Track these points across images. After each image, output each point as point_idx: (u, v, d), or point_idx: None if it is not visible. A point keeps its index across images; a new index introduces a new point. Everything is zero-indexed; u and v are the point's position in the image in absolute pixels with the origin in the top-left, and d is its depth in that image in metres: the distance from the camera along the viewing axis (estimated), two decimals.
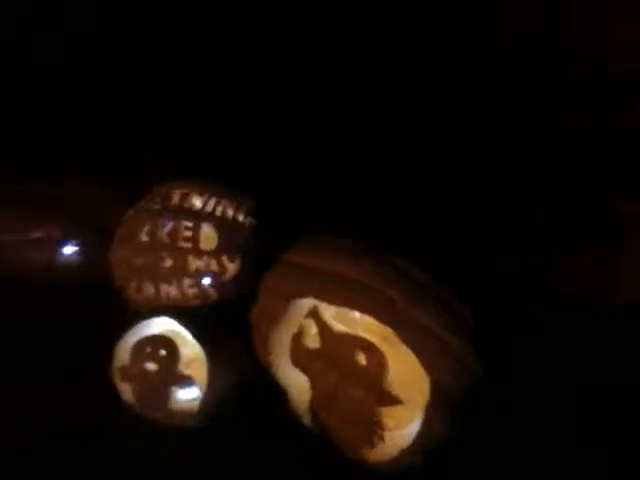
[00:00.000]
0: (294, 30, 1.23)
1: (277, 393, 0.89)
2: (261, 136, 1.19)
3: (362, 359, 0.81)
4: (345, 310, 0.82)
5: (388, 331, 0.79)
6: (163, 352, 0.89)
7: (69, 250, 1.17)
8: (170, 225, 1.02)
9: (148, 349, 0.89)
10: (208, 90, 1.26)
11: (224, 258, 1.01)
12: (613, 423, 0.90)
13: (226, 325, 0.96)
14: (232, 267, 1.02)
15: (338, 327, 0.83)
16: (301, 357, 0.85)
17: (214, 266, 1.01)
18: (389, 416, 0.81)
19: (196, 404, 0.89)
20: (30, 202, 1.17)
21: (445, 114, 1.13)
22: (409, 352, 0.79)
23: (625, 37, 1.02)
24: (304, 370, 0.85)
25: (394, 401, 0.80)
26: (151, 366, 0.89)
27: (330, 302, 0.82)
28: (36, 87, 1.37)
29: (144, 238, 1.02)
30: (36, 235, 1.15)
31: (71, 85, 1.34)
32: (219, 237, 1.02)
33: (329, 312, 0.83)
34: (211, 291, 1.01)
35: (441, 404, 0.79)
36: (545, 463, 0.86)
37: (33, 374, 1.06)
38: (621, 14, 1.04)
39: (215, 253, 1.01)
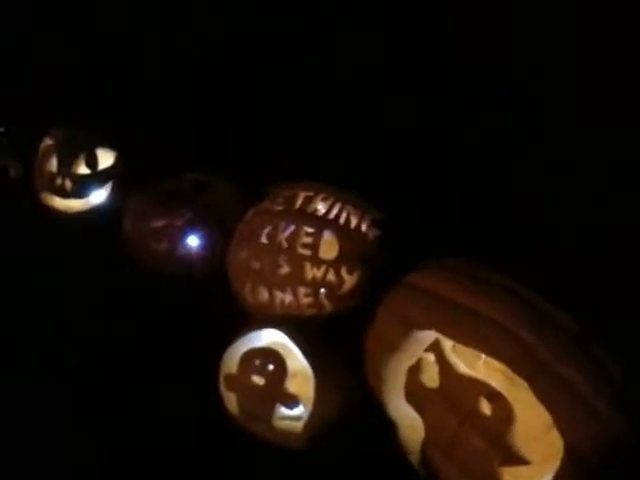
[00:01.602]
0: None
1: (387, 423, 0.82)
2: (398, 144, 1.11)
3: (486, 408, 0.73)
4: (472, 351, 0.73)
5: (521, 383, 0.69)
6: (271, 367, 0.85)
7: (190, 241, 1.15)
8: (291, 229, 0.97)
9: (257, 361, 0.86)
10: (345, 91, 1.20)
11: (343, 269, 0.95)
12: None
13: (337, 341, 0.90)
14: (350, 279, 0.96)
15: (462, 368, 0.75)
16: (416, 394, 0.78)
17: (332, 276, 0.95)
18: (511, 475, 0.72)
19: (300, 424, 0.85)
20: (156, 193, 1.18)
21: None
22: (543, 409, 0.68)
23: None
24: (418, 408, 0.78)
25: (519, 460, 0.71)
26: (258, 379, 0.86)
27: (456, 339, 0.73)
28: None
29: (264, 240, 0.99)
30: (159, 224, 1.15)
31: (199, 83, 1.34)
32: (340, 246, 0.96)
33: (453, 349, 0.75)
34: (326, 302, 0.96)
35: (575, 472, 0.68)
36: None
37: (142, 361, 1.07)
38: None
39: (334, 263, 0.95)
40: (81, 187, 1.28)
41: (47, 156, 1.29)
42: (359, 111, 1.22)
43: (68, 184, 1.27)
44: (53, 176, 1.29)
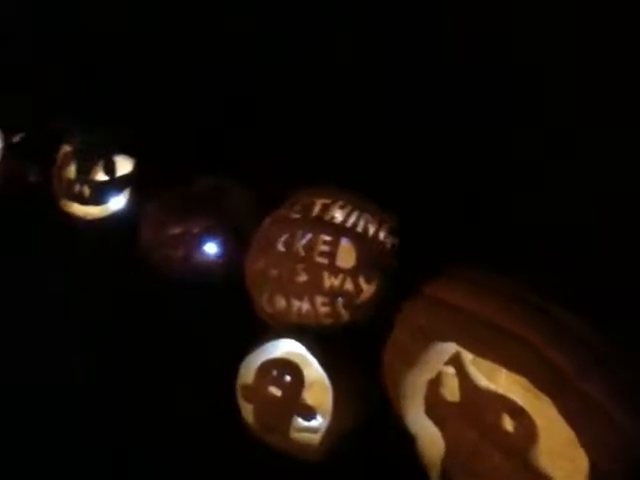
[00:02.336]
0: None
1: (405, 435, 0.81)
2: (418, 151, 1.10)
3: (509, 424, 0.71)
4: (492, 364, 0.71)
5: (545, 399, 0.67)
6: (288, 378, 0.84)
7: (207, 248, 1.15)
8: (308, 237, 0.96)
9: (274, 372, 0.85)
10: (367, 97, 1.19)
11: (361, 278, 0.94)
12: None
13: (355, 352, 0.89)
14: (368, 289, 0.95)
15: (483, 382, 0.73)
16: (436, 408, 0.76)
17: (349, 285, 0.94)
18: None
19: (318, 436, 0.83)
20: (173, 200, 1.17)
21: None
22: (567, 427, 0.66)
23: None
24: (437, 422, 0.76)
25: (542, 478, 0.69)
26: (275, 390, 0.85)
27: (477, 353, 0.72)
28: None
29: (281, 248, 0.98)
30: (176, 231, 1.15)
31: (217, 91, 1.34)
32: (358, 255, 0.95)
33: (474, 363, 0.73)
34: (343, 312, 0.95)
35: None
36: None
37: (159, 369, 1.07)
38: None
39: (352, 272, 0.94)
40: (99, 194, 1.28)
41: (65, 162, 1.30)
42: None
43: (86, 191, 1.28)
44: (71, 182, 1.29)
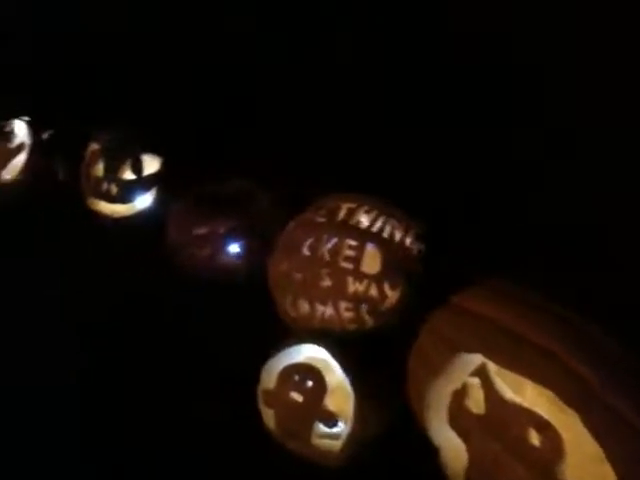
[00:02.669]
0: None
1: (428, 445, 0.80)
2: (447, 155, 1.09)
3: (534, 439, 0.69)
4: (519, 377, 0.70)
5: (571, 413, 0.66)
6: (310, 383, 0.84)
7: (232, 249, 1.15)
8: (334, 241, 0.96)
9: (295, 377, 0.84)
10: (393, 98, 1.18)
11: (386, 284, 0.93)
12: None
13: (378, 360, 0.88)
14: (393, 295, 0.94)
15: (508, 394, 0.72)
16: (460, 419, 0.75)
17: (374, 291, 0.93)
18: None
19: (339, 442, 0.83)
20: (200, 200, 1.18)
21: None
22: (593, 442, 0.65)
23: None
24: (462, 435, 0.75)
25: None
26: (297, 396, 0.84)
27: (504, 365, 0.71)
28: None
29: (306, 252, 0.97)
30: (202, 231, 1.15)
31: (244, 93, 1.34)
32: (383, 261, 0.94)
33: (500, 375, 0.72)
34: (367, 318, 0.94)
35: None
36: None
37: (178, 370, 1.07)
38: None
39: (377, 278, 0.93)
40: (126, 192, 1.29)
41: (93, 160, 1.31)
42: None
43: (114, 189, 1.29)
44: (99, 180, 1.30)
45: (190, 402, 1.01)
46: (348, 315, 0.94)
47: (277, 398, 0.86)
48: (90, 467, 0.99)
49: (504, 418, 0.71)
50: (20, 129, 1.42)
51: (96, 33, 1.51)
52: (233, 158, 1.26)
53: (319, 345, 0.85)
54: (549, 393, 0.68)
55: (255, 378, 0.93)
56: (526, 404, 0.70)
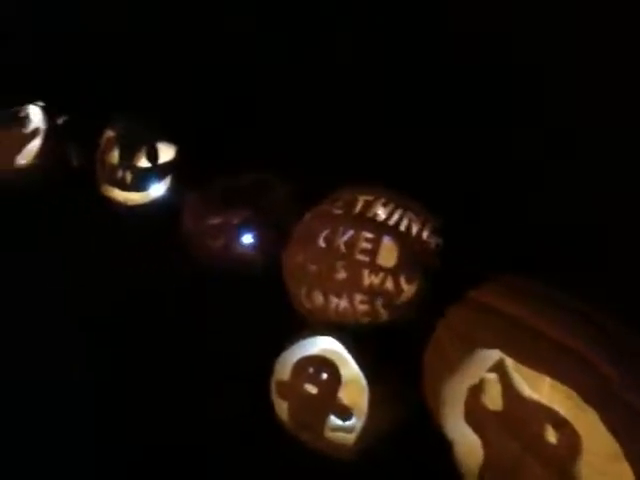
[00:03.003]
0: None
1: (442, 441, 0.79)
2: (467, 150, 1.08)
3: (552, 436, 0.69)
4: (536, 373, 0.69)
5: (589, 410, 0.65)
6: (325, 376, 0.83)
7: (245, 239, 1.15)
8: (350, 233, 0.95)
9: (310, 370, 0.84)
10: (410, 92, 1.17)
11: (402, 278, 0.92)
12: None
13: (393, 354, 0.88)
14: (409, 289, 0.93)
15: (526, 391, 0.71)
16: (477, 415, 0.74)
17: (390, 285, 0.92)
18: None
19: (353, 436, 0.83)
20: (215, 190, 1.17)
21: None
22: (612, 440, 0.64)
23: None
24: (478, 431, 0.74)
25: None
26: (311, 388, 0.84)
27: (522, 361, 0.70)
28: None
29: (321, 244, 0.97)
30: (216, 221, 1.15)
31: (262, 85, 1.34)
32: (399, 254, 0.93)
33: (518, 371, 0.72)
34: (382, 311, 0.93)
35: None
36: None
37: (192, 360, 1.07)
38: None
39: (393, 271, 0.92)
40: (141, 180, 1.28)
41: (109, 148, 1.30)
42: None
43: (128, 176, 1.28)
44: (114, 168, 1.30)
45: (202, 394, 1.01)
46: (363, 308, 0.93)
47: (291, 390, 0.85)
48: (96, 463, 0.99)
49: (521, 415, 0.71)
50: (35, 114, 1.41)
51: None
52: (249, 149, 1.26)
53: (334, 338, 0.84)
54: (567, 390, 0.67)
55: (268, 370, 0.93)
56: (544, 401, 0.70)
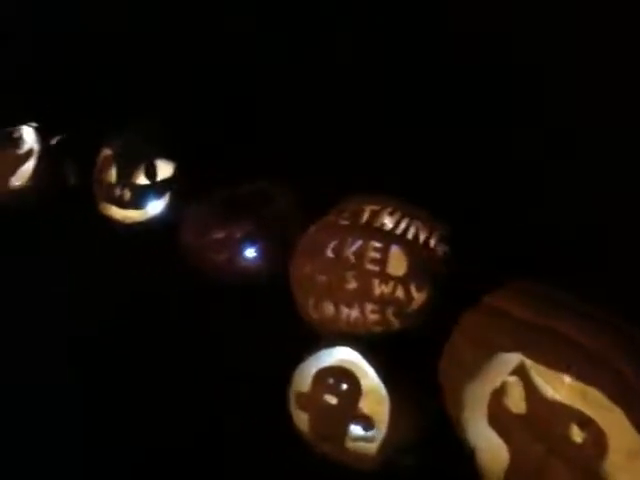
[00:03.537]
0: None
1: (464, 449, 0.80)
2: (470, 156, 1.09)
3: (577, 435, 0.69)
4: (557, 374, 0.70)
5: (614, 409, 0.66)
6: (345, 386, 0.83)
7: (249, 253, 1.14)
8: (358, 243, 0.96)
9: (330, 380, 0.84)
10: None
11: (412, 286, 0.93)
12: None
13: (410, 361, 0.88)
14: (419, 297, 0.93)
15: (549, 392, 0.72)
16: (500, 419, 0.75)
17: (400, 293, 0.93)
18: None
19: (374, 446, 0.82)
20: (217, 204, 1.17)
21: None
22: (637, 437, 0.66)
23: None
24: (502, 434, 0.75)
25: None
26: (331, 399, 0.84)
27: (543, 363, 0.71)
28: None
29: (330, 254, 0.97)
30: (219, 235, 1.14)
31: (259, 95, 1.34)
32: (408, 262, 0.94)
33: (540, 374, 0.72)
34: (393, 320, 0.94)
35: None
36: None
37: (200, 376, 1.06)
38: None
39: (403, 279, 0.93)
40: (140, 197, 1.28)
41: (106, 166, 1.30)
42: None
43: (127, 194, 1.27)
44: (112, 186, 1.29)
45: (213, 409, 1.00)
46: (374, 317, 0.94)
47: (311, 401, 0.85)
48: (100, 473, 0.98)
49: (546, 416, 0.71)
50: (28, 135, 1.40)
51: (96, 33, 1.50)
52: (248, 160, 1.25)
53: (352, 348, 0.85)
54: (590, 389, 0.68)
55: (278, 381, 0.92)
56: (567, 401, 0.70)
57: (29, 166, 1.39)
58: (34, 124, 1.41)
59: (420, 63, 1.18)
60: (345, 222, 0.99)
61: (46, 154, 1.39)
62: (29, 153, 1.39)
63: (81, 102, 1.48)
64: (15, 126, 1.41)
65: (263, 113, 1.33)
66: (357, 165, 1.16)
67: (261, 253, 1.14)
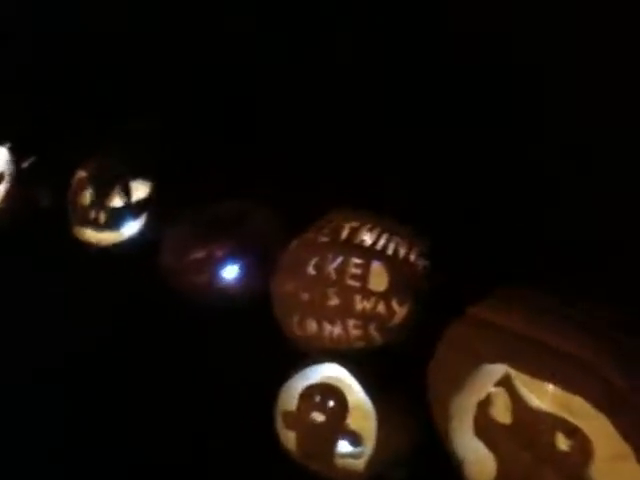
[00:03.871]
0: None
1: (452, 462, 0.80)
2: (445, 171, 1.10)
3: (563, 443, 0.70)
4: (542, 383, 0.72)
5: (599, 416, 0.68)
6: (331, 403, 0.83)
7: (230, 272, 1.14)
8: (339, 260, 0.96)
9: (317, 398, 0.83)
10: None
11: (393, 301, 0.94)
12: None
13: (395, 376, 0.89)
14: (401, 312, 0.94)
15: (534, 402, 0.73)
16: (487, 429, 0.76)
17: (382, 308, 0.94)
18: None
19: (362, 462, 0.82)
20: (195, 223, 1.17)
21: None
22: (622, 443, 0.67)
23: None
24: (489, 445, 0.76)
25: None
26: (318, 416, 0.84)
27: (528, 373, 0.72)
28: None
29: (311, 271, 0.97)
30: (199, 255, 1.14)
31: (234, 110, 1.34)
32: (389, 278, 0.95)
33: (525, 383, 0.73)
34: (376, 335, 0.94)
35: None
36: None
37: (187, 398, 1.05)
38: None
39: (384, 294, 0.94)
40: (116, 219, 1.26)
41: (80, 188, 1.28)
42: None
43: (102, 216, 1.26)
44: (86, 208, 1.27)
45: (199, 429, 0.99)
46: (356, 333, 0.94)
47: (298, 419, 0.85)
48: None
49: (531, 426, 0.72)
50: (1, 156, 1.38)
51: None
52: (225, 177, 1.25)
53: (338, 365, 0.85)
54: (575, 397, 0.69)
55: (265, 401, 0.92)
56: (552, 410, 0.72)
57: (1, 189, 1.36)
58: (8, 144, 1.39)
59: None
60: (325, 239, 0.99)
61: (18, 177, 1.37)
62: (1, 175, 1.36)
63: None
64: None
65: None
66: (345, 173, 1.16)
67: (243, 271, 1.14)
